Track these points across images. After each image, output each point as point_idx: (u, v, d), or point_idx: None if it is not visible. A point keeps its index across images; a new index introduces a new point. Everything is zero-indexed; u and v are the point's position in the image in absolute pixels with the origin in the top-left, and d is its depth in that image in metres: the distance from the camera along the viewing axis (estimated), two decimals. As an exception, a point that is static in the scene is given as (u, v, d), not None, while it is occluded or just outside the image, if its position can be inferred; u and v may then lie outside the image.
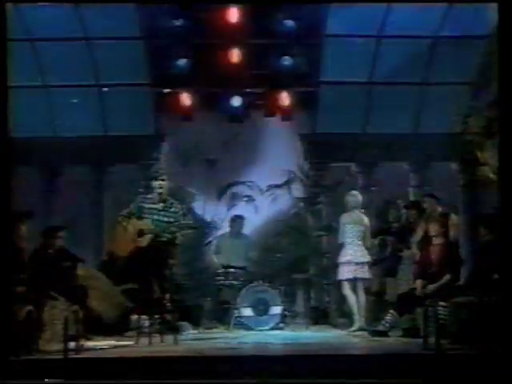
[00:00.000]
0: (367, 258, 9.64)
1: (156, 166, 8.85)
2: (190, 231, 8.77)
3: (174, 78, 11.44)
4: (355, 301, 9.50)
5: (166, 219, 8.23)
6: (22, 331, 6.65)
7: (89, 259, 9.93)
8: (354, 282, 9.54)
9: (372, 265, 10.81)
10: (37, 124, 11.59)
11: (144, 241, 8.11)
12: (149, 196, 8.53)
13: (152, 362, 6.45)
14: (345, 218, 9.81)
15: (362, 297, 9.55)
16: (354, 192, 10.04)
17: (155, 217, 8.22)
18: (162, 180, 8.44)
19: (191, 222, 8.97)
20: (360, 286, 9.56)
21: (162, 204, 8.30)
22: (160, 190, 8.37)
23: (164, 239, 8.20)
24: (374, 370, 6.04)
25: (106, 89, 11.74)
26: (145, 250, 8.08)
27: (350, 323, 9.63)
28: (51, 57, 11.29)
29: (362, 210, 9.97)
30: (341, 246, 9.74)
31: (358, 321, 9.46)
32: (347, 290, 9.57)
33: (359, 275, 9.53)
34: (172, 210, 8.30)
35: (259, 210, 12.00)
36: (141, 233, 8.13)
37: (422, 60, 11.57)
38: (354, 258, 9.55)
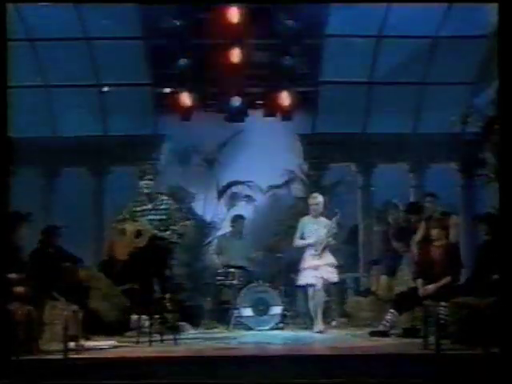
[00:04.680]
0: (332, 260, 9.16)
1: (142, 166, 8.73)
2: (187, 223, 8.72)
3: (174, 78, 11.45)
4: (313, 304, 9.01)
5: (158, 217, 8.21)
6: (22, 331, 6.64)
7: (89, 259, 9.94)
8: (317, 286, 9.00)
9: (373, 264, 10.86)
10: (37, 124, 11.61)
11: (142, 241, 8.08)
12: (139, 199, 8.45)
13: (152, 362, 6.45)
14: (307, 221, 9.35)
15: (321, 297, 9.01)
16: (315, 194, 9.58)
17: (148, 217, 8.20)
18: (150, 180, 8.35)
19: (186, 215, 8.97)
20: (321, 289, 9.00)
21: (151, 204, 8.27)
22: (147, 190, 8.30)
23: (162, 237, 8.17)
24: (374, 369, 6.04)
25: (106, 89, 11.75)
26: (144, 250, 8.06)
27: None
28: (51, 57, 11.30)
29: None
30: (303, 250, 9.28)
31: (317, 324, 9.01)
32: (309, 294, 9.06)
33: (324, 277, 9.02)
34: (162, 207, 8.27)
35: (259, 210, 12.00)
36: (138, 233, 8.11)
37: (422, 60, 11.58)
38: (318, 261, 9.06)
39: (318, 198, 9.40)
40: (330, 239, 9.17)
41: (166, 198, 8.47)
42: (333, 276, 9.18)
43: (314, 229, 9.22)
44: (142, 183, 8.32)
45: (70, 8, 10.71)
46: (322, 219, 9.31)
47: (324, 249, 9.14)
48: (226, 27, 10.94)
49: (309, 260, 9.18)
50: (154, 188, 8.37)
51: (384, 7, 10.88)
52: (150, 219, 8.18)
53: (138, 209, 8.28)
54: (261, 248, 10.74)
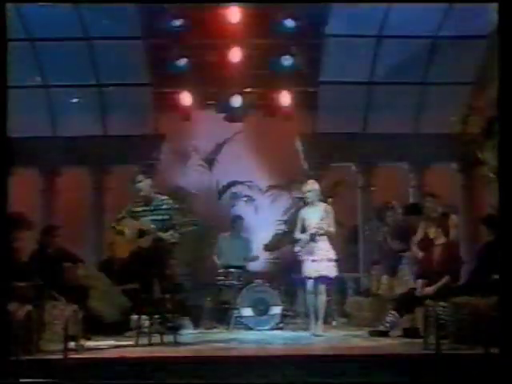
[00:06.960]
0: (332, 255, 8.77)
1: (133, 170, 8.62)
2: (192, 228, 8.68)
3: (174, 78, 11.45)
4: (313, 302, 8.75)
5: (160, 217, 8.16)
6: (22, 331, 6.64)
7: (89, 259, 9.93)
8: (317, 281, 8.71)
9: (373, 264, 10.87)
10: (37, 124, 11.61)
11: (145, 242, 8.04)
12: (137, 200, 8.38)
13: (152, 362, 6.45)
14: (305, 211, 8.96)
15: (323, 297, 8.75)
16: (311, 181, 9.21)
17: (150, 218, 8.15)
18: (140, 182, 8.26)
19: (189, 218, 8.92)
20: (323, 286, 8.72)
21: (152, 204, 8.20)
22: (142, 193, 8.21)
23: (164, 237, 8.14)
24: (375, 370, 6.04)
25: (105, 89, 11.76)
26: (146, 250, 8.03)
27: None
28: (51, 57, 11.30)
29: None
30: (302, 242, 8.87)
31: (314, 325, 8.78)
32: (308, 289, 8.78)
33: (323, 273, 8.68)
34: (164, 207, 8.21)
35: (259, 210, 12.01)
36: (142, 233, 8.06)
37: (422, 60, 11.59)
38: (318, 254, 8.70)
39: (313, 185, 9.05)
40: (326, 225, 8.75)
41: (165, 197, 8.40)
42: (332, 270, 8.78)
43: (315, 216, 8.84)
44: (135, 186, 8.23)
45: (70, 8, 10.71)
46: (320, 204, 8.95)
47: (320, 236, 8.76)
48: (225, 27, 10.95)
49: (307, 252, 8.80)
50: (149, 190, 8.25)
51: (384, 7, 10.88)
52: (152, 219, 8.13)
53: (139, 209, 8.22)
54: (261, 248, 10.74)
